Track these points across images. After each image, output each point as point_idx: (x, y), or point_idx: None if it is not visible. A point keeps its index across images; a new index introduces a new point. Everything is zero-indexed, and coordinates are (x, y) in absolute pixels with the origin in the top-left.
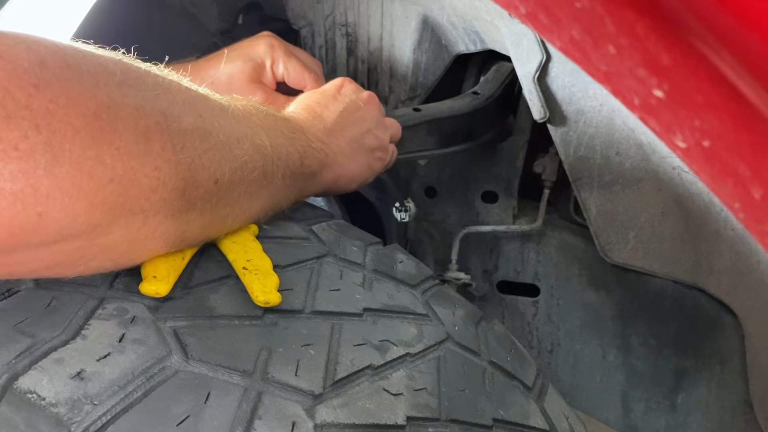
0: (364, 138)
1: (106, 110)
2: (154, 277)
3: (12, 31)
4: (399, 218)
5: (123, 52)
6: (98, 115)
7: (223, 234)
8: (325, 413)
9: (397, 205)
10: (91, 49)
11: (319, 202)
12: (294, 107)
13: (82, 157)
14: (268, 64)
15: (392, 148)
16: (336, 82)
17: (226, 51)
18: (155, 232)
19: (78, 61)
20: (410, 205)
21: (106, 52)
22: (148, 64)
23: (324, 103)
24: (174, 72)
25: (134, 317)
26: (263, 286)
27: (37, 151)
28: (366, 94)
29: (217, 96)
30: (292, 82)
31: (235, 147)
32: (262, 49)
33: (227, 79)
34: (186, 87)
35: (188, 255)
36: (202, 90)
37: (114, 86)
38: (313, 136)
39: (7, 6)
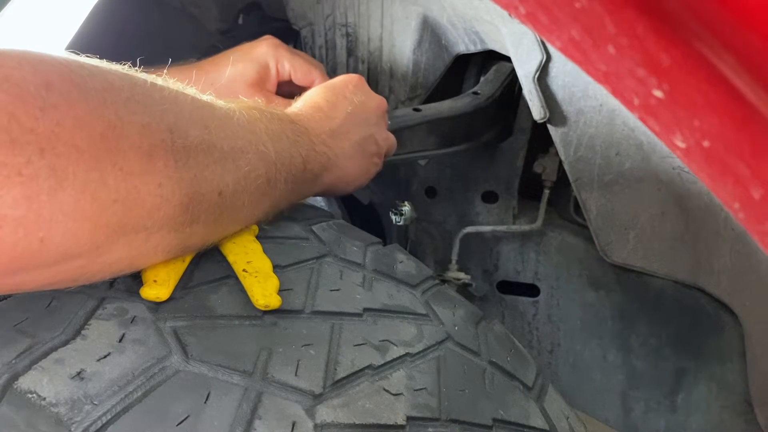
0: (366, 142)
1: (112, 130)
2: (155, 281)
3: (16, 50)
4: (394, 221)
5: (129, 65)
6: (105, 135)
7: (225, 239)
8: (325, 413)
9: (393, 208)
10: (97, 63)
11: (320, 202)
12: (302, 103)
13: (85, 179)
14: (272, 64)
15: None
16: (349, 78)
17: (228, 54)
18: (157, 247)
19: (84, 80)
20: (405, 208)
21: (113, 66)
22: (154, 75)
23: (333, 101)
24: (178, 81)
25: (134, 317)
26: (263, 289)
27: (41, 175)
28: (377, 98)
29: (221, 103)
30: (299, 79)
31: (239, 157)
32: (264, 49)
33: (229, 82)
34: (192, 97)
35: (188, 258)
36: (207, 97)
37: (121, 104)
38: (318, 138)
39: (7, 7)
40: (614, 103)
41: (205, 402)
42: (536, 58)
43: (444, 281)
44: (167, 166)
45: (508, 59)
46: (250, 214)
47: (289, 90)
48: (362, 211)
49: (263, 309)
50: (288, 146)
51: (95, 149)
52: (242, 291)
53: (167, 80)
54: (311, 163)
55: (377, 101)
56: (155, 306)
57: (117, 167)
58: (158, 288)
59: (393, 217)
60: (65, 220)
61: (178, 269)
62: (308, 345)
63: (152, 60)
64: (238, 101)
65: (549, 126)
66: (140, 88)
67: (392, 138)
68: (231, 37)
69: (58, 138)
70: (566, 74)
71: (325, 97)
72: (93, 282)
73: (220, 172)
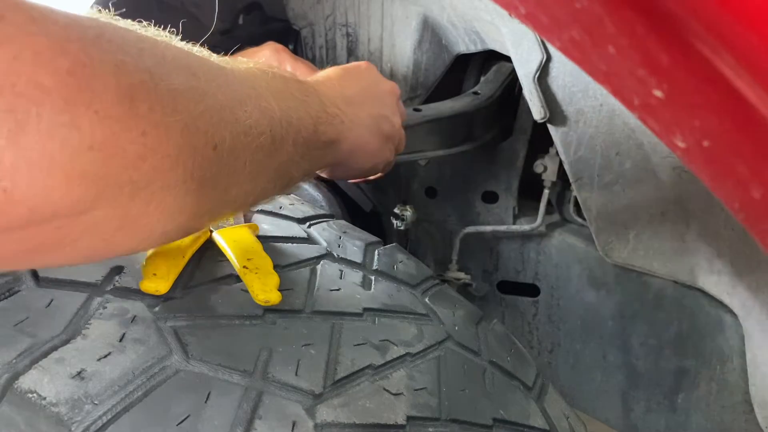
0: (381, 121)
1: (81, 68)
2: (154, 274)
3: None
4: (395, 226)
5: (99, 9)
6: (73, 72)
7: (231, 210)
8: (326, 413)
9: (394, 214)
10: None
11: (319, 201)
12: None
13: (53, 123)
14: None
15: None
16: (359, 63)
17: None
18: (148, 206)
19: (43, 14)
20: (407, 213)
21: (80, 12)
22: (130, 21)
23: (345, 75)
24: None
25: (135, 317)
26: (263, 285)
27: None
28: (390, 83)
29: (214, 56)
30: None
31: (237, 109)
32: (267, 53)
33: None
34: (176, 45)
35: (188, 253)
36: (197, 50)
37: (89, 41)
38: (329, 101)
39: None
40: (614, 103)
41: (205, 402)
42: (536, 58)
43: (444, 281)
44: (152, 111)
45: (508, 59)
46: (253, 177)
47: None
48: (362, 212)
49: (263, 304)
50: (295, 105)
51: (64, 89)
52: (243, 291)
53: (147, 28)
54: (323, 126)
55: (391, 85)
56: (156, 305)
57: (91, 110)
58: (158, 281)
59: (394, 222)
60: (30, 169)
61: (178, 264)
62: (308, 345)
63: None
64: (235, 59)
65: (549, 126)
66: (111, 27)
67: (403, 132)
68: (231, 37)
69: (18, 74)
70: (566, 74)
71: (336, 72)
72: (83, 252)
73: (216, 123)
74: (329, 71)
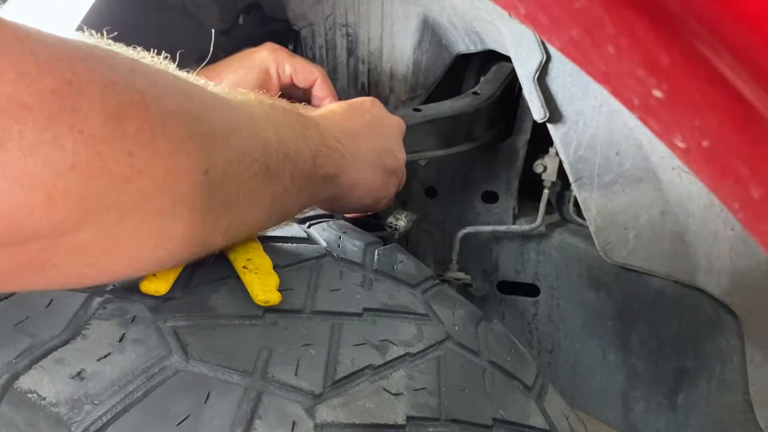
0: (384, 155)
1: (67, 86)
2: (154, 275)
3: None
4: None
5: (90, 33)
6: (57, 91)
7: (223, 240)
8: (325, 413)
9: (388, 225)
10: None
11: None
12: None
13: (35, 140)
14: (273, 68)
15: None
16: (365, 98)
17: (229, 61)
18: (136, 230)
19: (29, 35)
20: (400, 223)
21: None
22: (122, 45)
23: (348, 109)
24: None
25: (134, 317)
26: (263, 285)
27: None
28: (395, 118)
29: (211, 84)
30: (301, 81)
31: (231, 135)
32: (265, 54)
33: (230, 89)
34: (171, 71)
35: None
36: (193, 78)
37: (77, 60)
38: (330, 134)
39: (4, 7)
40: (614, 103)
41: (205, 402)
42: (536, 58)
43: (444, 281)
44: (140, 132)
45: (508, 59)
46: (247, 206)
47: (291, 94)
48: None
49: (263, 305)
50: (294, 137)
51: (47, 107)
52: (242, 291)
53: (140, 53)
54: (321, 159)
55: (396, 120)
56: (155, 305)
57: (75, 129)
58: (157, 282)
59: (389, 230)
60: (11, 187)
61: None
62: (308, 345)
63: None
64: (232, 90)
65: (549, 126)
66: (102, 50)
67: (404, 170)
68: (231, 37)
69: None
70: (566, 74)
71: (340, 107)
72: (68, 276)
73: (207, 148)
74: (334, 106)
